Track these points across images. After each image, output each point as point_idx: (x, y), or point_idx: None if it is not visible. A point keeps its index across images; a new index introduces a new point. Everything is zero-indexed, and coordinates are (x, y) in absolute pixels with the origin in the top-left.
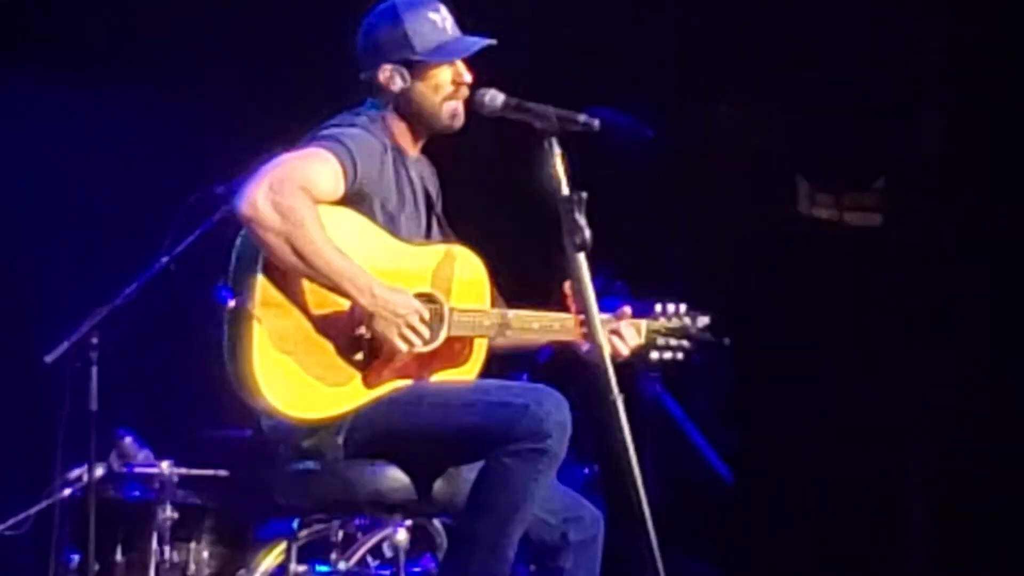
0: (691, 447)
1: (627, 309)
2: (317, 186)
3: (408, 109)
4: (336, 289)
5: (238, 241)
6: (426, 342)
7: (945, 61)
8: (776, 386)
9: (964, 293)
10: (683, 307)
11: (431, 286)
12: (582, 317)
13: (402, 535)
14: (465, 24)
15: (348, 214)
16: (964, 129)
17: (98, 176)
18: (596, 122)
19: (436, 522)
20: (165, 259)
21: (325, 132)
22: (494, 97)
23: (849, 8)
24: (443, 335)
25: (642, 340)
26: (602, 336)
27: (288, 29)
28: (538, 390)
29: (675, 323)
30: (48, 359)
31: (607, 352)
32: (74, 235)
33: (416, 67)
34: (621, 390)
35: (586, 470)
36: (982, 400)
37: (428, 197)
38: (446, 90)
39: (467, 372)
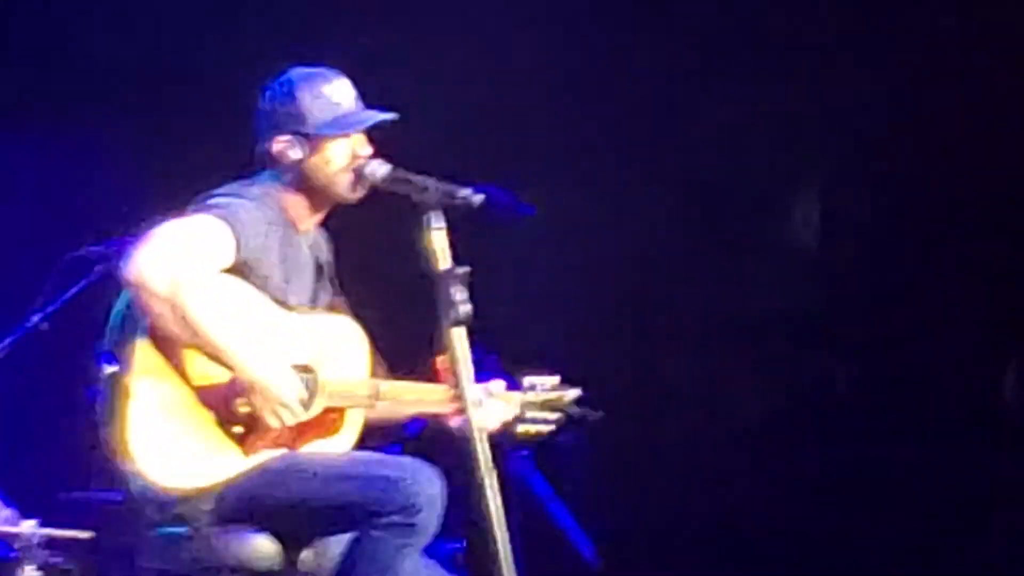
0: (558, 526)
1: (500, 383)
2: (204, 255)
3: (303, 181)
4: (218, 359)
5: (119, 305)
6: (303, 411)
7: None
8: (645, 466)
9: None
10: (555, 379)
11: (310, 356)
12: (455, 392)
13: None
14: (368, 96)
15: (232, 282)
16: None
17: None
18: (478, 197)
19: None
20: (37, 318)
21: (213, 201)
22: (375, 169)
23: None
24: (318, 405)
25: (513, 413)
26: (474, 412)
27: (178, 93)
28: (412, 464)
29: (546, 396)
30: None
31: (478, 430)
32: None
33: (311, 140)
34: (492, 466)
35: (454, 545)
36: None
37: (318, 267)
38: (341, 162)
39: (341, 442)
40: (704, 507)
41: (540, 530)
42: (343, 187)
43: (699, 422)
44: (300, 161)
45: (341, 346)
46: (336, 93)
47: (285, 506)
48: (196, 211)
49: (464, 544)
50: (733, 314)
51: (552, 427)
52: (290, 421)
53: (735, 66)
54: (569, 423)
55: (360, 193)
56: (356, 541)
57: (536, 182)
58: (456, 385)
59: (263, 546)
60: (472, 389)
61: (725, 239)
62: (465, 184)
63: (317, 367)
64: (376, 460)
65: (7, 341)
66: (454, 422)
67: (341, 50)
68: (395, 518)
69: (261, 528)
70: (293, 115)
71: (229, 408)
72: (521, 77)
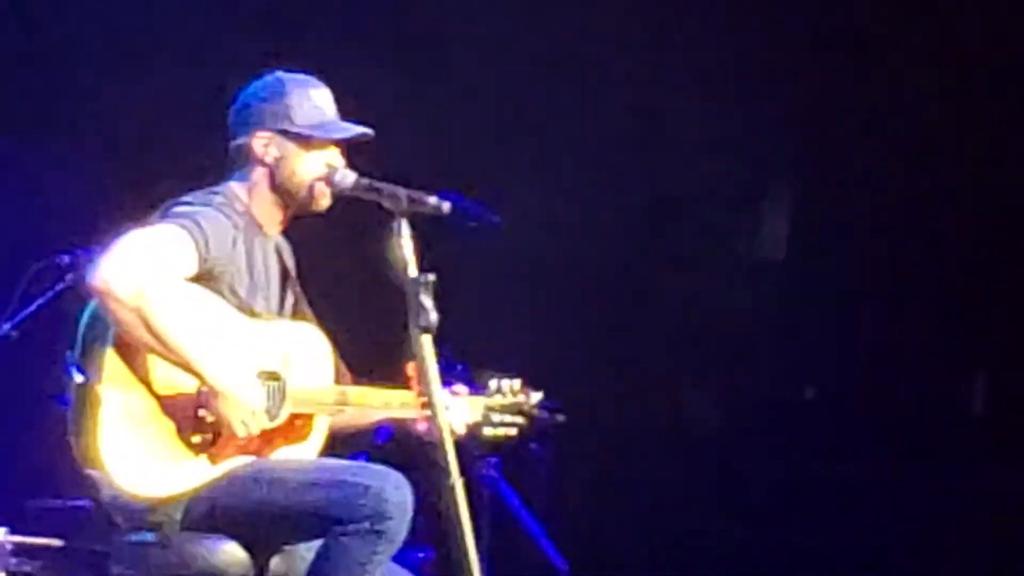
0: (526, 534)
1: (463, 387)
2: (170, 263)
3: (277, 181)
4: (185, 367)
5: (86, 314)
6: (270, 419)
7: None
8: (612, 474)
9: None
10: (517, 383)
11: (276, 362)
12: (424, 399)
13: None
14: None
15: (197, 290)
16: None
17: None
18: (446, 205)
19: None
20: (7, 326)
21: (177, 209)
22: (345, 176)
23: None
24: (284, 413)
25: (477, 417)
26: (444, 419)
27: (150, 101)
28: (380, 471)
29: (509, 399)
30: None
31: (448, 435)
32: None
33: (292, 140)
34: (460, 475)
35: (421, 554)
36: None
37: (284, 274)
38: (317, 170)
39: (308, 448)
40: (671, 514)
41: (508, 537)
42: (314, 194)
43: (664, 428)
44: (277, 160)
45: (306, 353)
46: (321, 100)
47: (254, 513)
48: (160, 220)
49: (432, 552)
50: (698, 322)
51: (516, 431)
52: (255, 430)
53: (704, 75)
54: (533, 426)
55: (327, 203)
56: (325, 548)
57: (502, 190)
58: (423, 391)
59: (233, 553)
60: (439, 394)
61: (690, 246)
62: (432, 192)
63: (283, 374)
64: (344, 467)
65: None
66: (421, 427)
67: (304, 57)
68: (364, 525)
69: (231, 535)
70: (279, 114)
71: (196, 416)
72: (488, 85)
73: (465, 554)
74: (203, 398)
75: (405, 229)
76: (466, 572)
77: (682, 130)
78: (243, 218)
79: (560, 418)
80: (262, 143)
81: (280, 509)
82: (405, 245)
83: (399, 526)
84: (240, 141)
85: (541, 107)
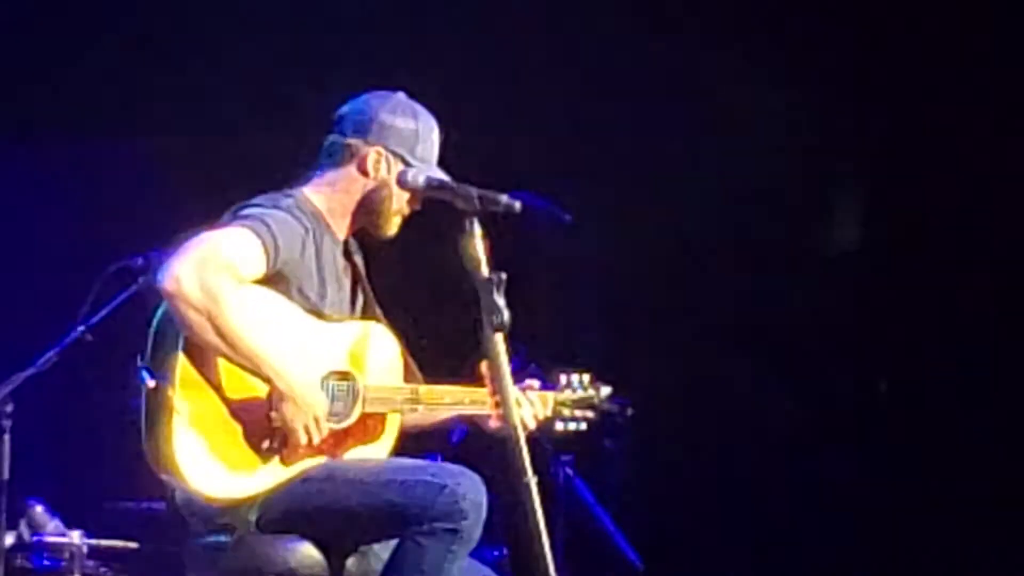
0: (601, 531)
1: (534, 382)
2: (240, 265)
3: (368, 198)
4: (254, 371)
5: (157, 318)
6: (341, 419)
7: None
8: (687, 471)
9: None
10: (587, 377)
11: (346, 363)
12: (497, 397)
13: None
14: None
15: (266, 292)
16: None
17: (17, 241)
18: (517, 204)
19: None
20: (81, 328)
21: (248, 211)
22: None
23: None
24: (357, 412)
25: (548, 412)
26: (516, 417)
27: (220, 103)
28: (455, 470)
29: (580, 394)
30: None
31: (521, 433)
32: None
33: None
34: (534, 472)
35: (496, 552)
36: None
37: (355, 275)
38: (408, 206)
39: (380, 448)
40: (745, 510)
41: (583, 534)
42: (392, 224)
43: (739, 425)
44: (382, 181)
45: (376, 352)
46: (437, 145)
47: (329, 513)
48: (230, 222)
49: (506, 551)
50: (771, 318)
51: (586, 425)
52: (316, 439)
53: (771, 67)
54: (603, 421)
55: (393, 235)
56: (401, 548)
57: (570, 188)
58: (496, 390)
59: (308, 554)
60: (512, 392)
61: (762, 238)
62: (502, 191)
63: (354, 374)
64: (420, 466)
65: (51, 352)
66: (492, 425)
67: (365, 58)
68: (440, 524)
69: (305, 536)
70: (404, 138)
71: (267, 421)
72: (553, 81)
73: (540, 552)
74: (273, 402)
75: (476, 228)
76: (541, 570)
77: (753, 120)
78: (313, 220)
79: (630, 412)
80: (376, 158)
81: (356, 509)
82: (477, 244)
83: (475, 525)
84: (352, 142)
85: (607, 100)
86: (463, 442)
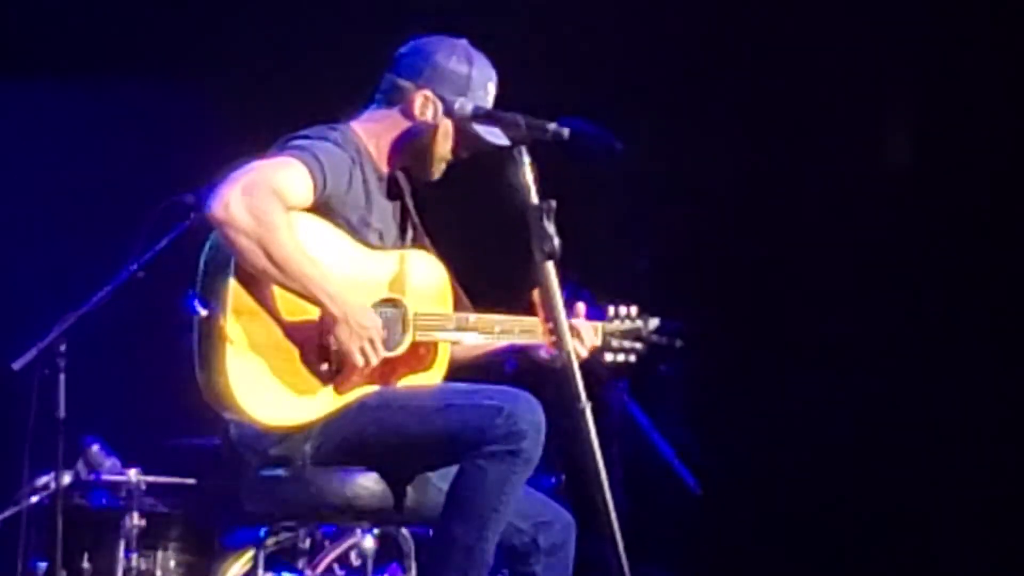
0: (658, 456)
1: (581, 305)
2: (288, 193)
3: (413, 140)
4: (306, 295)
5: (207, 248)
6: (392, 347)
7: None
8: (742, 395)
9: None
10: (634, 309)
11: (395, 291)
12: (550, 324)
13: (369, 543)
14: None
15: (315, 221)
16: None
17: (68, 181)
18: (566, 131)
19: (404, 530)
20: (134, 266)
21: (296, 142)
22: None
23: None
24: (408, 340)
25: (598, 341)
26: (570, 344)
27: (271, 40)
28: (512, 392)
29: (628, 325)
30: (15, 366)
31: (575, 360)
32: (43, 240)
33: (451, 114)
34: (588, 398)
35: (553, 479)
36: (958, 411)
37: (403, 207)
38: (454, 152)
39: (432, 376)
40: (801, 434)
41: (639, 459)
42: (438, 168)
43: (794, 350)
44: (427, 125)
45: (425, 281)
46: (493, 94)
47: (386, 442)
48: (278, 152)
49: (563, 478)
50: (824, 238)
51: (634, 357)
52: (374, 360)
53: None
54: (652, 352)
55: (437, 178)
56: (463, 472)
57: (622, 114)
58: (549, 317)
59: (364, 485)
60: (565, 320)
61: (812, 162)
62: (551, 119)
63: (404, 301)
64: (475, 390)
65: (105, 290)
66: (543, 354)
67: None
68: (500, 447)
69: (363, 466)
70: (455, 84)
71: (321, 344)
72: (605, 18)
73: (596, 478)
74: (326, 325)
75: (525, 157)
76: (598, 496)
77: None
78: (357, 153)
79: (679, 343)
80: (423, 102)
81: (414, 436)
82: (526, 172)
83: (534, 446)
84: (403, 83)
85: (658, 30)
86: (517, 372)
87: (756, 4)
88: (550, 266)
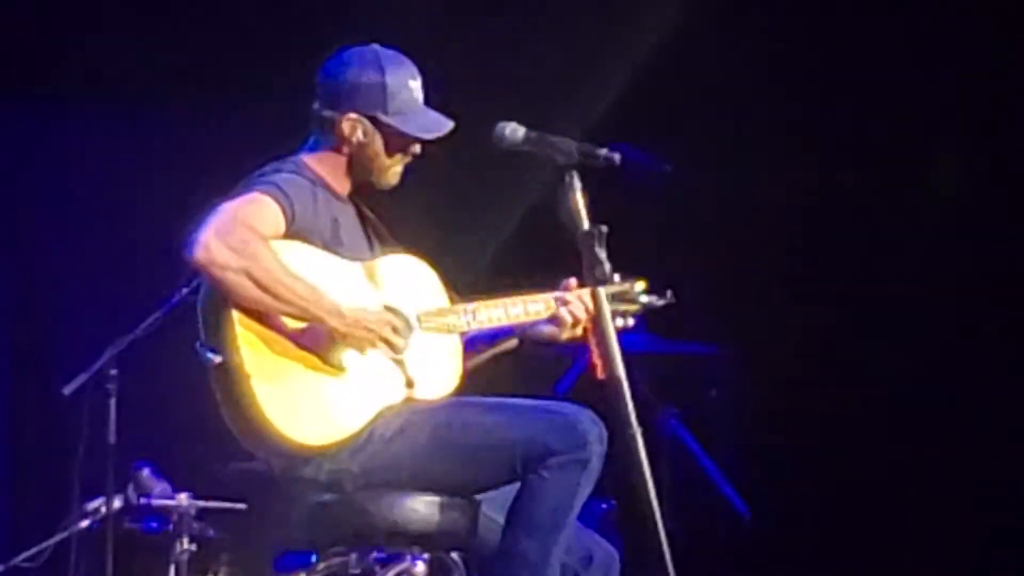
0: (709, 482)
1: (572, 280)
2: (261, 225)
3: (356, 160)
4: (304, 316)
5: (200, 299)
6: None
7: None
8: (794, 422)
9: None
10: (617, 276)
11: (390, 295)
12: (600, 350)
13: (421, 568)
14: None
15: (294, 243)
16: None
17: (119, 205)
18: (617, 156)
19: (454, 554)
20: (185, 290)
21: (257, 179)
22: (515, 131)
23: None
24: (414, 339)
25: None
26: (622, 370)
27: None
28: (572, 405)
29: (615, 288)
30: (66, 390)
31: (626, 386)
32: (94, 265)
33: (379, 126)
34: (639, 424)
35: (604, 505)
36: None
37: (363, 219)
38: (400, 157)
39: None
40: (852, 460)
41: (690, 485)
42: (391, 176)
43: (844, 377)
44: (362, 144)
45: (415, 281)
46: (417, 88)
47: (446, 459)
48: (241, 191)
49: (614, 503)
50: (878, 272)
51: (632, 321)
52: (403, 344)
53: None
54: (643, 312)
55: (396, 183)
56: (526, 485)
57: (674, 137)
58: (600, 342)
59: (413, 508)
60: (615, 345)
61: (866, 189)
62: (600, 144)
63: (401, 306)
64: (535, 404)
65: (156, 314)
66: (548, 330)
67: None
68: (565, 456)
69: (415, 488)
70: (374, 98)
71: (332, 339)
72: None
73: (647, 503)
74: (335, 338)
75: (576, 182)
76: (648, 521)
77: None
78: (315, 183)
79: (669, 295)
80: (350, 124)
81: (475, 451)
82: (577, 198)
83: (598, 456)
84: (328, 114)
85: (709, 48)
86: (570, 392)
87: (813, 23)
88: (601, 292)
